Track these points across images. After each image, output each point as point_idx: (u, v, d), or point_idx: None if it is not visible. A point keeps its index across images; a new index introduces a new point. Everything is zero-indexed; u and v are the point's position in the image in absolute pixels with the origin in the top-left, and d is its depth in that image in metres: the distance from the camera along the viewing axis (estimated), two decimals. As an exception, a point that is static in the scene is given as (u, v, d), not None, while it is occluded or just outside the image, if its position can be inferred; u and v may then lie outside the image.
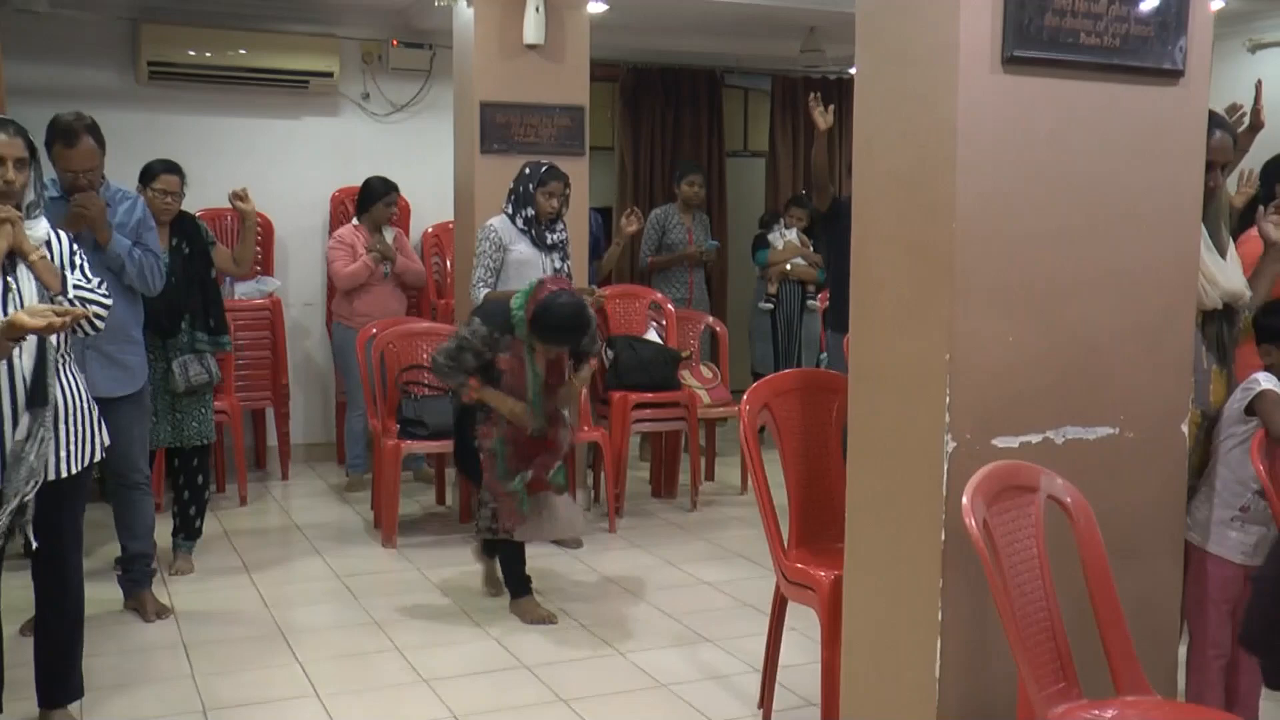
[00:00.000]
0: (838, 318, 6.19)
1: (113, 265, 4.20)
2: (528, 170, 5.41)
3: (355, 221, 6.65)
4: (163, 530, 4.96)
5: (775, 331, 7.80)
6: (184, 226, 5.10)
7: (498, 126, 5.93)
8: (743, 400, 3.59)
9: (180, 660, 4.14)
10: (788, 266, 7.76)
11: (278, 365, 6.83)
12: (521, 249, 5.38)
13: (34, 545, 3.29)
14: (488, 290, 5.33)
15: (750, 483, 3.39)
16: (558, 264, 5.45)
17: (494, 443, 4.53)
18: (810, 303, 7.90)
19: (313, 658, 4.17)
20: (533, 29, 5.86)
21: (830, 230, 6.16)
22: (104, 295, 3.47)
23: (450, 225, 6.80)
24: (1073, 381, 2.88)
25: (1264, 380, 3.23)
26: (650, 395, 6.16)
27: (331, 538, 5.72)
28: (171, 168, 5.05)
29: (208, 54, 6.93)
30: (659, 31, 7.94)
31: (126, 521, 4.50)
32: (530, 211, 5.37)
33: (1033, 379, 2.83)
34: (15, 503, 3.18)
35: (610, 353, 6.23)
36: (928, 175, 2.78)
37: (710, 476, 6.91)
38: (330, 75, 7.15)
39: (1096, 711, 2.54)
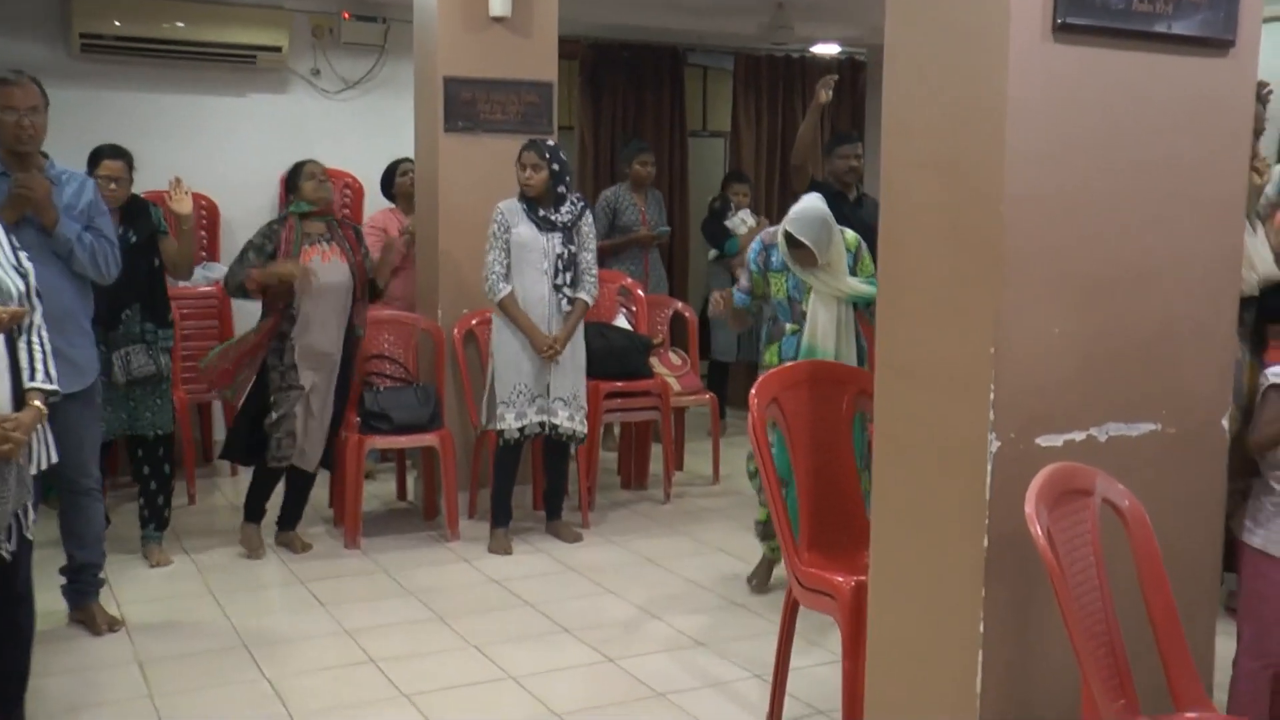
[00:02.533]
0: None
1: (60, 250, 3.88)
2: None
3: (392, 205, 6.41)
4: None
5: (739, 319, 7.58)
6: (133, 213, 4.80)
7: (462, 103, 5.63)
8: (751, 393, 3.36)
9: (135, 679, 3.83)
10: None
11: (226, 355, 6.47)
12: (522, 230, 5.12)
13: None
14: (507, 288, 5.07)
15: (760, 472, 3.12)
16: (559, 248, 5.13)
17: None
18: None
19: (282, 673, 3.88)
20: (499, 0, 5.57)
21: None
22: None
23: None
24: (1116, 375, 2.70)
25: (1273, 376, 3.03)
26: (621, 384, 5.92)
27: (290, 538, 5.43)
28: (116, 153, 4.76)
29: (145, 26, 6.55)
30: (621, 6, 7.67)
31: (75, 529, 4.17)
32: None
33: (1077, 373, 2.65)
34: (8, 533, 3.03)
35: (581, 340, 5.96)
36: (973, 157, 2.58)
37: (680, 466, 6.69)
38: (279, 50, 6.80)
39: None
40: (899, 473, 2.83)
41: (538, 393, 5.16)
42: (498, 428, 5.16)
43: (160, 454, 4.94)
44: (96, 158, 4.77)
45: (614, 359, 5.92)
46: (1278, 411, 2.97)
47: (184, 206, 4.75)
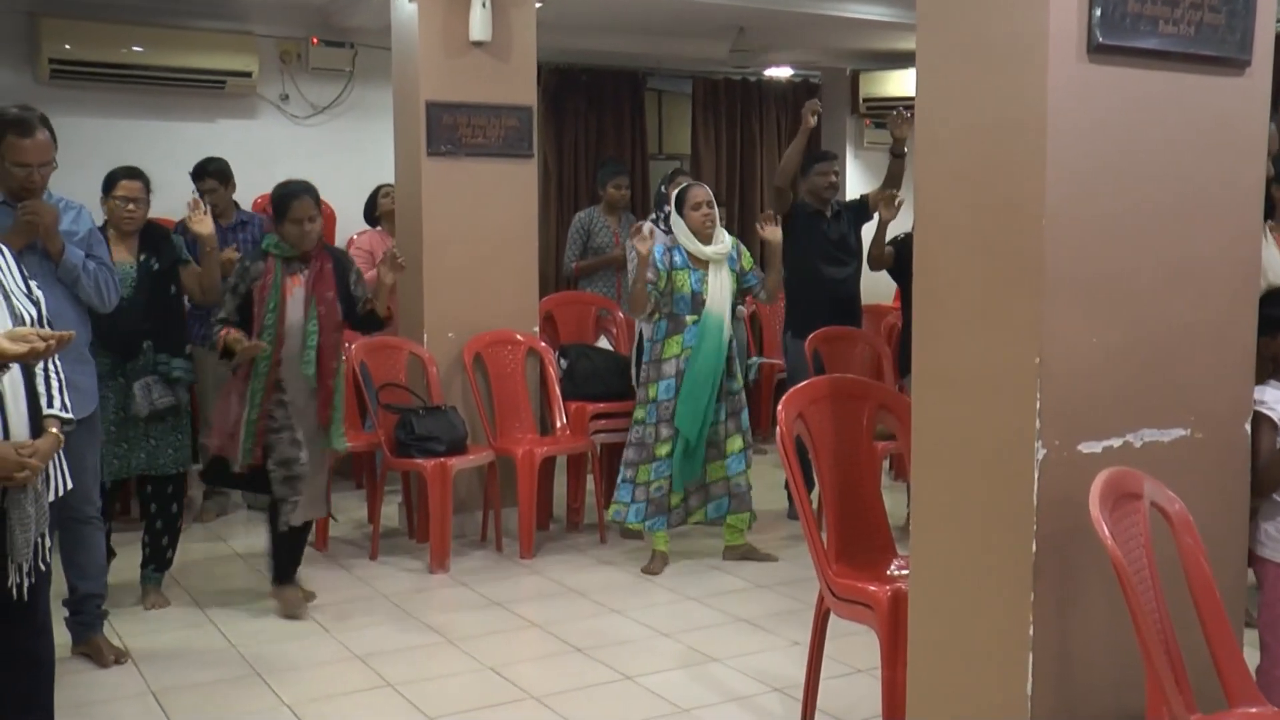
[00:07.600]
0: (797, 323, 6.10)
1: (66, 279, 3.83)
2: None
3: (379, 227, 6.45)
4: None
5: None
6: (153, 239, 4.70)
7: (445, 128, 5.65)
8: (779, 409, 3.42)
9: (153, 710, 3.77)
10: None
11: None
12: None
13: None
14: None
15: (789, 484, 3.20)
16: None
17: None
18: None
19: (301, 699, 3.84)
20: (479, 25, 5.60)
21: (790, 235, 6.03)
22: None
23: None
24: (1149, 381, 2.79)
25: (1268, 395, 3.13)
26: (605, 405, 5.95)
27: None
28: (133, 173, 4.66)
29: (116, 51, 6.50)
30: (583, 31, 7.73)
31: (77, 559, 4.10)
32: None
33: (1113, 380, 2.73)
34: (29, 560, 2.91)
35: (564, 362, 6.01)
36: (1011, 170, 2.65)
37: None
38: (249, 75, 6.77)
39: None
40: (939, 480, 2.90)
41: None
42: None
43: (170, 491, 4.74)
44: (112, 180, 4.66)
45: (598, 380, 5.98)
46: (1271, 443, 3.07)
47: (205, 227, 4.71)
